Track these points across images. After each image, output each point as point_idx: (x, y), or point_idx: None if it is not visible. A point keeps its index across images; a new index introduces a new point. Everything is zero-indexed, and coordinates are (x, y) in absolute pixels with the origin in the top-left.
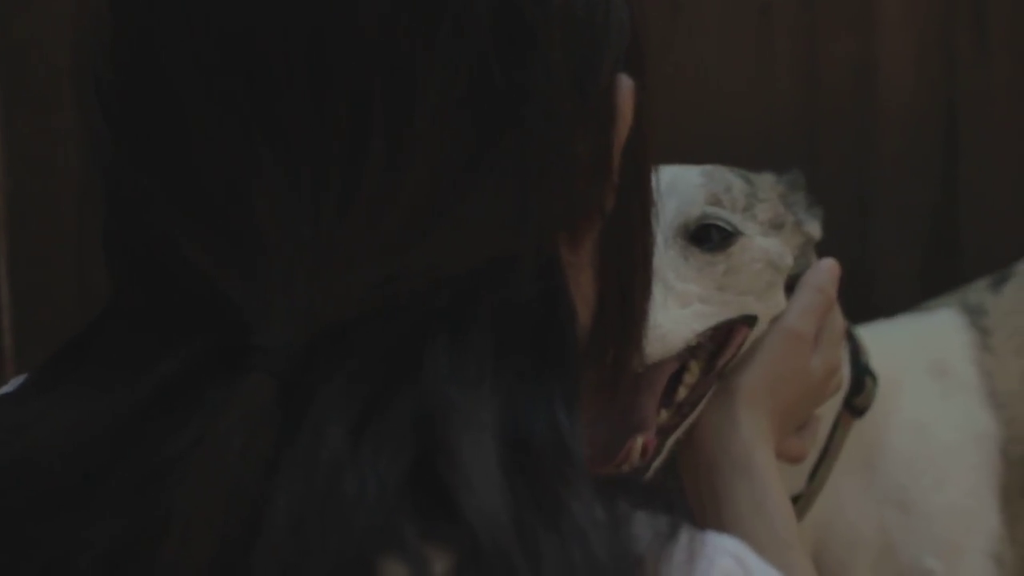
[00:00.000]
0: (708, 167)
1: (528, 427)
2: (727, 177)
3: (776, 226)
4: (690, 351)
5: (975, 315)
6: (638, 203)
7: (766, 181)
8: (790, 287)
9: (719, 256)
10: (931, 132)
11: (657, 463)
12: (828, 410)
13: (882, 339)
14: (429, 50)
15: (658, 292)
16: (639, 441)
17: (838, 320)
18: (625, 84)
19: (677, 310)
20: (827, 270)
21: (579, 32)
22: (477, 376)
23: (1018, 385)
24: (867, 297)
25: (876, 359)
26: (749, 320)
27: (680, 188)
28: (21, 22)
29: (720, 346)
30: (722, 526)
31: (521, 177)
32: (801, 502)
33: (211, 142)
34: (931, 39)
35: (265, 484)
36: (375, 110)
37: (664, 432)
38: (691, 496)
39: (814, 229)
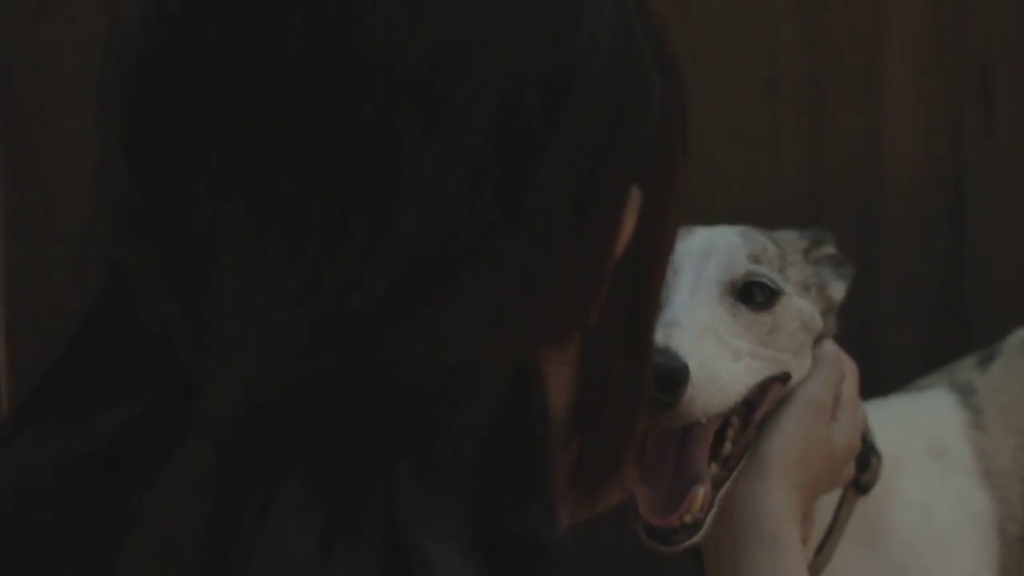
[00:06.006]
0: (740, 228)
1: (503, 532)
2: (761, 239)
3: (805, 288)
4: (732, 406)
5: (965, 394)
6: (630, 309)
7: (789, 238)
8: None
9: (764, 315)
10: (937, 206)
11: (710, 516)
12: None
13: (879, 418)
14: (425, 145)
15: (715, 346)
16: (700, 491)
17: (862, 409)
18: (634, 197)
19: (732, 364)
20: (834, 348)
21: (589, 153)
22: (445, 486)
23: (1010, 463)
24: (872, 371)
25: (877, 438)
26: (783, 377)
27: (721, 247)
28: (27, 87)
29: (755, 401)
30: None
31: (499, 292)
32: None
33: (193, 196)
34: (938, 113)
35: (211, 564)
36: (360, 195)
37: (715, 484)
38: (709, 565)
39: (837, 291)
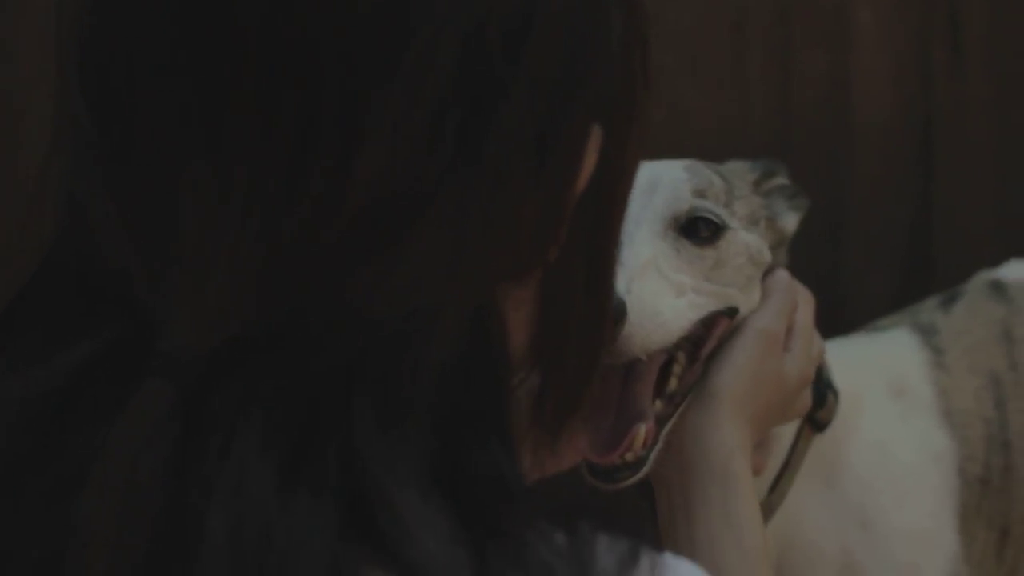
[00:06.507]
0: (687, 162)
1: (465, 472)
2: (707, 172)
3: (753, 222)
4: (677, 342)
5: (927, 334)
6: (590, 247)
7: (739, 170)
8: None
9: (708, 250)
10: (906, 150)
11: (654, 453)
12: (790, 422)
13: (840, 357)
14: (386, 87)
15: (656, 282)
16: (642, 429)
17: (818, 342)
18: (595, 135)
19: (674, 300)
20: (786, 277)
21: (550, 92)
22: (407, 425)
23: (972, 403)
24: (841, 315)
25: (836, 377)
26: (729, 312)
27: (665, 182)
28: None
29: (701, 336)
30: (691, 532)
31: (460, 233)
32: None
33: (152, 136)
34: (907, 56)
35: (173, 503)
36: (323, 133)
37: (660, 421)
38: (660, 499)
39: (789, 223)
